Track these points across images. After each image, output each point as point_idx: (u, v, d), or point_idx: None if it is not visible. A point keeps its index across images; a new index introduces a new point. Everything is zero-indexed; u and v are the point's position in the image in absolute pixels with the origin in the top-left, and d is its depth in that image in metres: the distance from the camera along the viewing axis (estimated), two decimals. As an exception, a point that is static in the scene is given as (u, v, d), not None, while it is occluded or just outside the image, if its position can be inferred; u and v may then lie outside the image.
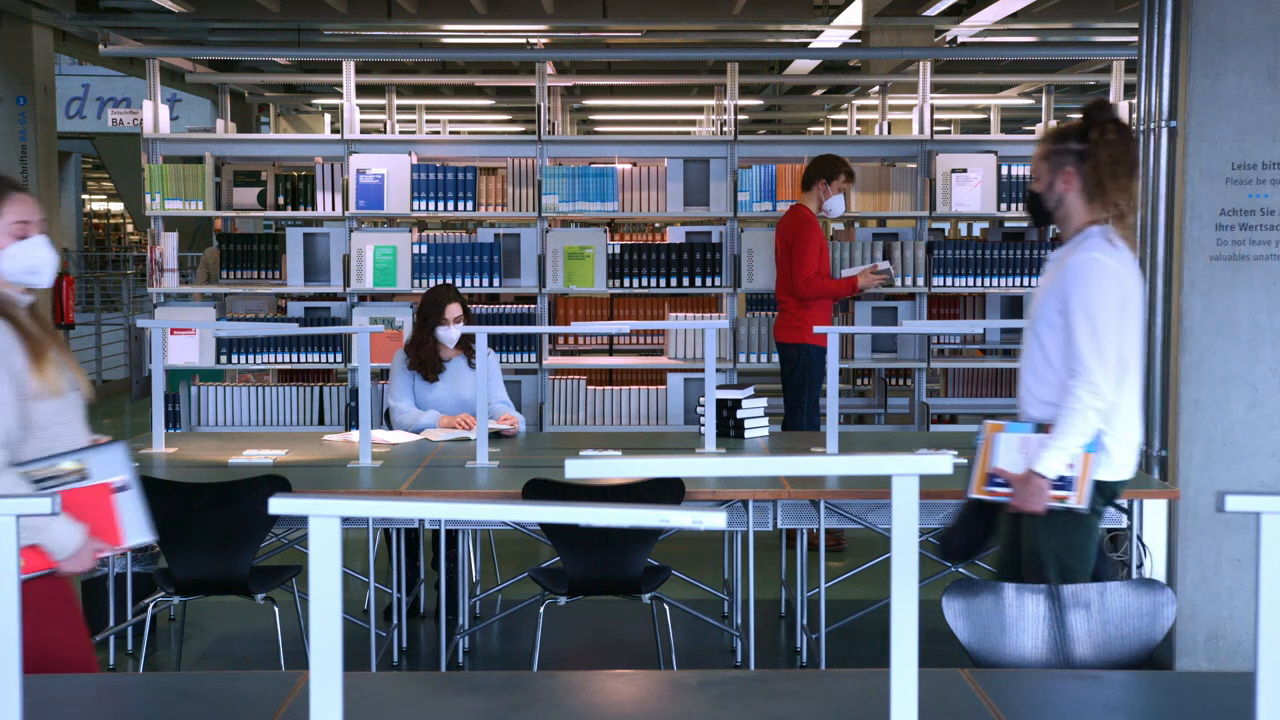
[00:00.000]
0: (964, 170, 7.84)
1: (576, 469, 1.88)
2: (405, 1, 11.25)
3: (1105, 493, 3.62)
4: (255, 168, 8.30)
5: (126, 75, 18.54)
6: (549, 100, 8.28)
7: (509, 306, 8.11)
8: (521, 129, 17.48)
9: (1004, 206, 7.85)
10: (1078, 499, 3.51)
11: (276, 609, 4.55)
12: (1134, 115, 5.24)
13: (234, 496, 4.32)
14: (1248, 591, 5.00)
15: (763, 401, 5.67)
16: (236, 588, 4.46)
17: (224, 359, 7.75)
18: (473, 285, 7.73)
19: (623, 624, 5.81)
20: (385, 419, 6.03)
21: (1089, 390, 3.48)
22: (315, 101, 17.02)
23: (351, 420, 7.63)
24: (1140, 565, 4.72)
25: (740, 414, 5.60)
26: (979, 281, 7.83)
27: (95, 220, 32.38)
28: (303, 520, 4.37)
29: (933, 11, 10.66)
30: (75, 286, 12.63)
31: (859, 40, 11.93)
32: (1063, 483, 3.52)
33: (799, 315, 6.91)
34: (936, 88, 12.49)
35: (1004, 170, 7.83)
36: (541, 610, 4.52)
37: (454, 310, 5.80)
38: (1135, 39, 5.29)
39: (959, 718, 2.51)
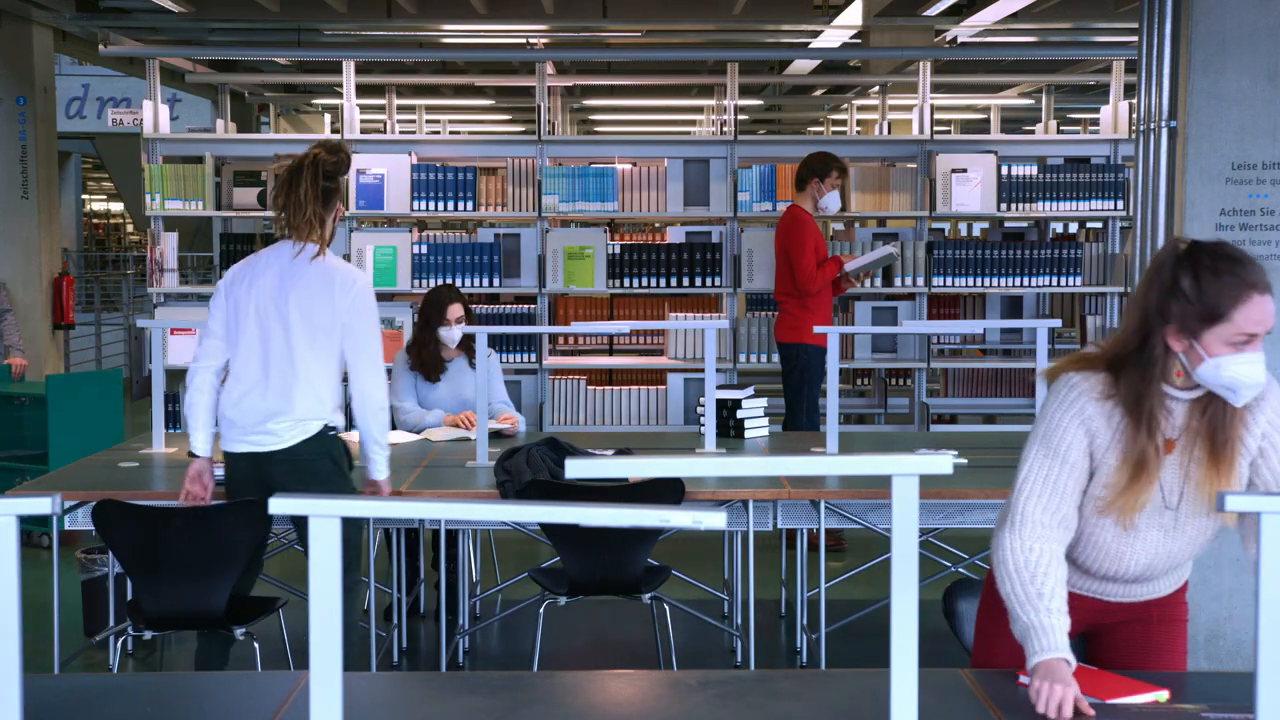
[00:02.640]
0: (964, 170, 7.84)
1: (576, 469, 1.88)
2: (405, 1, 11.25)
3: None
4: (255, 168, 8.30)
5: (126, 75, 18.52)
6: (549, 100, 8.28)
7: (509, 306, 8.10)
8: (521, 129, 17.47)
9: (1004, 206, 7.84)
10: None
11: (257, 645, 4.17)
12: (1134, 115, 5.24)
13: (209, 524, 3.99)
14: (1248, 591, 5.00)
15: (763, 401, 5.67)
16: (213, 622, 4.10)
17: (224, 359, 7.74)
18: (473, 285, 7.73)
19: (623, 624, 5.81)
20: None
21: None
22: (315, 101, 17.02)
23: (351, 420, 7.61)
24: (1140, 565, 4.72)
25: (740, 414, 5.60)
26: (979, 281, 7.83)
27: (95, 220, 32.37)
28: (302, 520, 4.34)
29: (933, 11, 10.65)
30: (75, 286, 12.63)
31: (859, 40, 11.92)
32: None
33: (798, 315, 6.91)
34: (936, 88, 12.46)
35: (1004, 170, 7.82)
36: (541, 610, 4.52)
37: (456, 310, 5.80)
38: (1135, 39, 5.29)
39: (959, 718, 2.51)
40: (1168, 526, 2.69)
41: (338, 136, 8.08)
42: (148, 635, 4.22)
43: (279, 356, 4.13)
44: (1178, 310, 2.54)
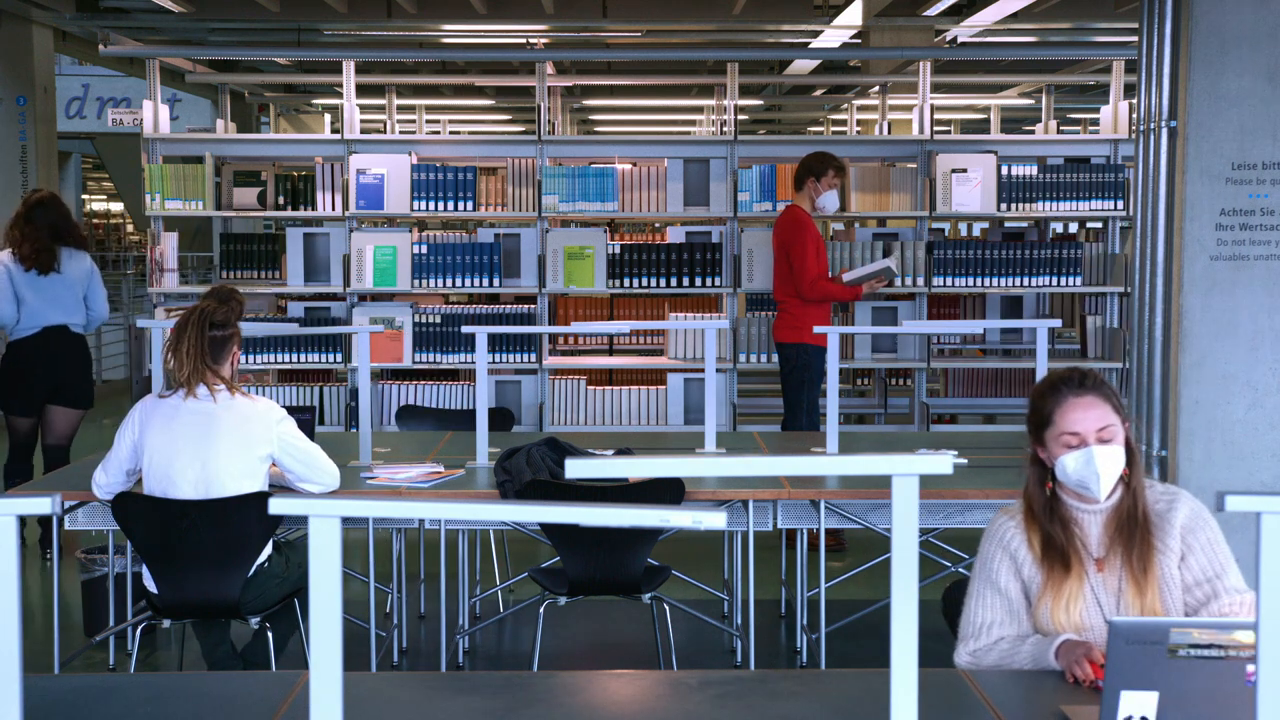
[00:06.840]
0: (964, 170, 7.84)
1: (576, 469, 1.88)
2: (405, 1, 11.25)
3: None
4: (255, 168, 8.30)
5: (126, 75, 18.53)
6: (549, 100, 8.28)
7: (509, 306, 8.11)
8: (521, 129, 17.47)
9: (1004, 206, 7.84)
10: None
11: (271, 635, 4.25)
12: (1134, 115, 5.24)
13: (223, 515, 4.06)
14: (1248, 591, 4.99)
15: None
16: (228, 611, 4.18)
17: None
18: (473, 285, 7.73)
19: (623, 624, 5.81)
20: None
21: None
22: (315, 101, 17.03)
23: (351, 420, 7.63)
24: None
25: None
26: (979, 281, 7.83)
27: (95, 220, 32.38)
28: (303, 520, 4.34)
29: (933, 11, 10.66)
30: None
31: (859, 40, 11.93)
32: None
33: (798, 315, 6.91)
34: (936, 88, 12.46)
35: (1004, 170, 7.82)
36: (541, 610, 4.52)
37: None
38: (1135, 39, 5.29)
39: (959, 718, 2.51)
40: None
41: (338, 136, 8.07)
42: (165, 624, 4.30)
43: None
44: (1031, 426, 2.92)
